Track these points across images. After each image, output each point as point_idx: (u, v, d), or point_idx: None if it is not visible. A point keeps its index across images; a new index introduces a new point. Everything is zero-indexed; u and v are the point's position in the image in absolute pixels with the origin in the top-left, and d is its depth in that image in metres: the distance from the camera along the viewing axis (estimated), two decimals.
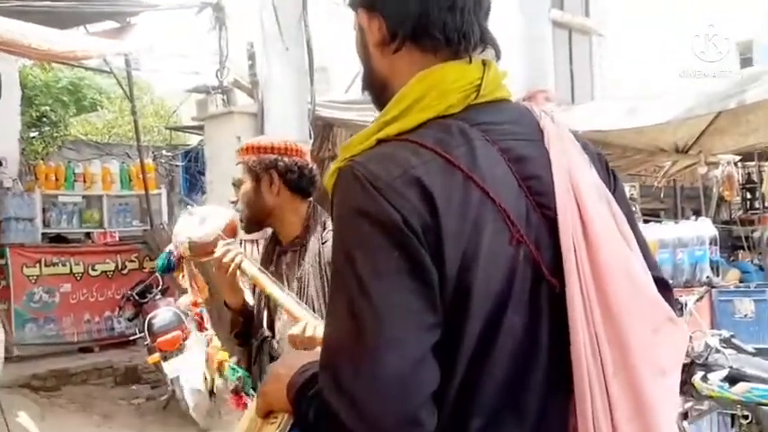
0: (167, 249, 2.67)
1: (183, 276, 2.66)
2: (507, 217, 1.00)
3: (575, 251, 1.01)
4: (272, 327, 2.24)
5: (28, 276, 7.63)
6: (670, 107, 5.73)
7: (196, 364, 5.67)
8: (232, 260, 2.15)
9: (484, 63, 1.10)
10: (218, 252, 2.17)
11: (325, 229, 2.14)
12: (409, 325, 0.92)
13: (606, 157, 1.24)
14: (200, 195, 10.01)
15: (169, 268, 2.70)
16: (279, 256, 2.26)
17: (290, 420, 1.14)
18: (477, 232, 0.97)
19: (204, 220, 2.31)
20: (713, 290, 4.97)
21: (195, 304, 2.82)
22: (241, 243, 2.51)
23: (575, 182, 1.05)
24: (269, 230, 2.35)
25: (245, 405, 2.55)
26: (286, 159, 2.15)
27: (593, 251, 1.01)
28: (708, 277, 5.12)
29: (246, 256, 2.22)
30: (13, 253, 7.53)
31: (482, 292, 0.97)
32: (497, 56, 1.14)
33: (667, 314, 1.04)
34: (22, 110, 9.18)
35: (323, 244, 2.11)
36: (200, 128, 8.95)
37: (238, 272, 2.17)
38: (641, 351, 0.99)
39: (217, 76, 7.08)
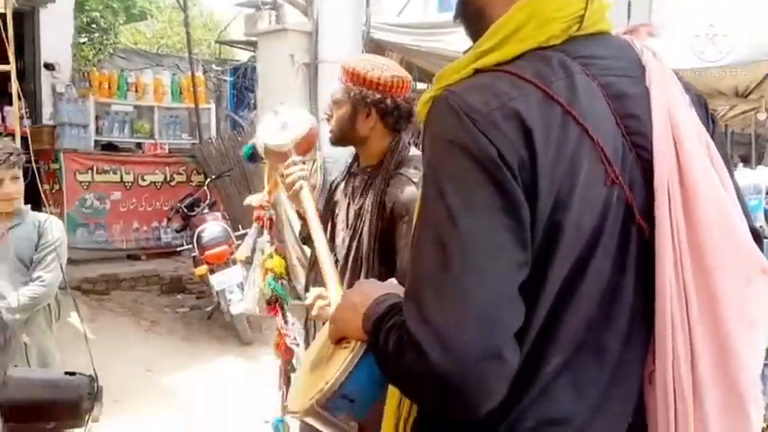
0: (251, 141, 2.72)
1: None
2: (604, 156, 0.97)
3: (669, 196, 0.99)
4: (332, 240, 2.28)
5: (80, 182, 7.81)
6: (734, 48, 5.47)
7: (239, 277, 5.83)
8: (294, 182, 2.22)
9: None
10: (281, 170, 2.24)
11: (397, 168, 2.13)
12: (498, 261, 0.91)
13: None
14: (247, 111, 10.02)
15: (253, 158, 2.77)
16: (352, 175, 2.30)
17: (362, 346, 1.14)
18: (574, 170, 0.95)
19: (285, 126, 2.34)
20: (765, 240, 4.86)
21: (262, 207, 2.80)
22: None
23: (674, 123, 1.02)
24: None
25: (276, 313, 2.63)
26: (389, 101, 2.11)
27: (688, 197, 0.99)
28: (761, 227, 5.01)
29: (306, 179, 2.26)
30: (66, 158, 7.69)
31: (573, 232, 0.95)
32: None
33: (762, 265, 1.01)
34: (74, 14, 9.18)
35: (387, 185, 2.11)
36: (251, 44, 8.89)
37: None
38: (731, 302, 0.97)
39: None
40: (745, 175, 5.81)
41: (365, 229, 2.11)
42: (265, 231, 2.57)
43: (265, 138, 2.38)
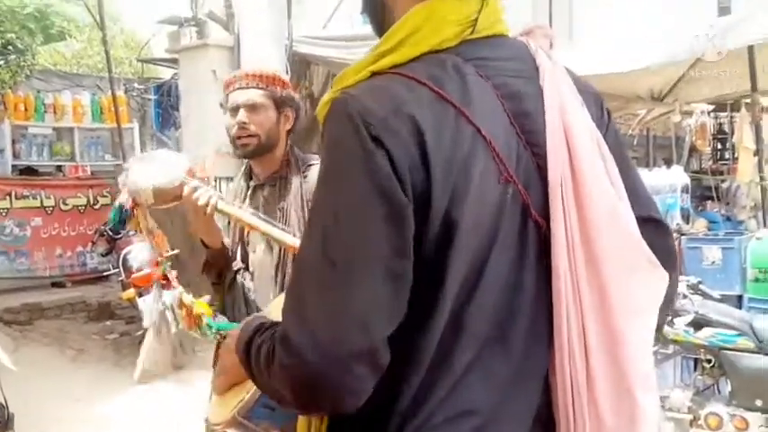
0: (118, 202, 2.34)
1: (138, 230, 2.39)
2: (497, 155, 1.00)
3: (562, 192, 1.02)
4: (245, 260, 2.28)
5: None
6: (649, 52, 5.70)
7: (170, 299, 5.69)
8: (207, 202, 2.07)
9: None
10: (185, 194, 2.07)
11: (304, 164, 2.23)
12: (375, 270, 0.92)
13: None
14: (174, 130, 9.83)
15: (122, 221, 2.39)
16: (255, 190, 2.27)
17: (254, 389, 1.17)
18: (467, 169, 0.97)
19: (163, 165, 2.13)
20: (682, 237, 5.07)
21: (157, 263, 2.51)
22: (216, 180, 2.52)
23: (566, 122, 1.05)
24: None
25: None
26: (300, 104, 2.27)
27: (579, 193, 1.02)
28: (678, 224, 5.22)
29: (219, 194, 2.15)
30: None
31: (470, 229, 0.97)
32: None
33: (647, 257, 1.05)
34: None
35: (304, 179, 2.19)
36: (173, 61, 8.73)
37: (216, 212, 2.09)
38: (618, 291, 1.01)
39: (191, 7, 6.88)
40: (661, 175, 6.07)
41: (290, 221, 2.13)
42: (163, 290, 2.35)
43: (151, 180, 2.10)
